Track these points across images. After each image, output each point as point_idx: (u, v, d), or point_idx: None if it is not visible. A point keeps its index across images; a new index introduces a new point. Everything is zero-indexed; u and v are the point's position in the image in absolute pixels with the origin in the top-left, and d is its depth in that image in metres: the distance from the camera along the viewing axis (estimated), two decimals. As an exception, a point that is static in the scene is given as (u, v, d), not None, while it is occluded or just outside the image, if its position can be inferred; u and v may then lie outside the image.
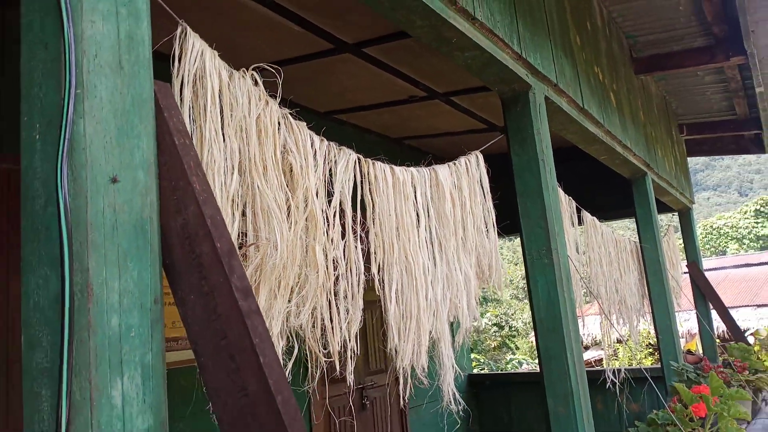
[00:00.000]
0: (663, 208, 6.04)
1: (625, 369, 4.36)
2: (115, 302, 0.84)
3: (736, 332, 6.10)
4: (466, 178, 2.37)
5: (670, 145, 5.80)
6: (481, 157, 2.55)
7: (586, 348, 14.35)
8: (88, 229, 0.82)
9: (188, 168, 0.94)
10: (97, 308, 0.81)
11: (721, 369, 4.21)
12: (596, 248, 3.72)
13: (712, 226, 43.15)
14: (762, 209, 43.31)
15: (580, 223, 3.62)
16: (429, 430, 5.70)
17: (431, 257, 2.03)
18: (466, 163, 2.42)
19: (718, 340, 8.33)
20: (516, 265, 26.03)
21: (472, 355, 15.02)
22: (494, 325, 16.81)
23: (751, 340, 6.81)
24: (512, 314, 17.06)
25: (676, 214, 6.50)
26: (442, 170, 2.23)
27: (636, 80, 4.77)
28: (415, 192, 2.01)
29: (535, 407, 6.40)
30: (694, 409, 2.44)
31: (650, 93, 5.26)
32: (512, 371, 13.13)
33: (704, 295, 6.18)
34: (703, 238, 41.72)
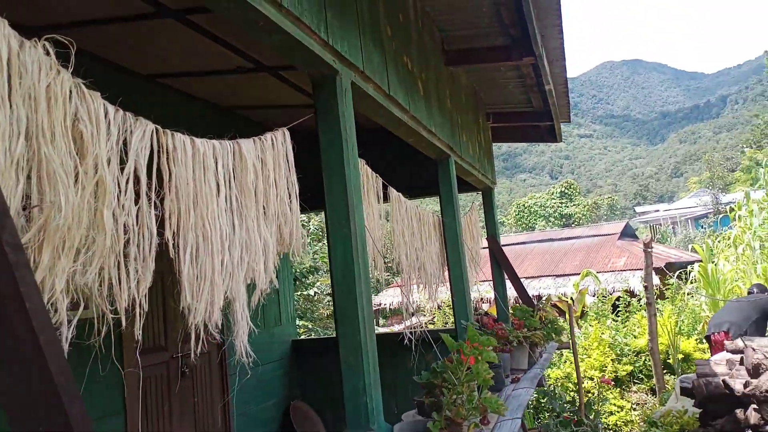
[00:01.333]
0: (469, 187, 6.71)
1: (424, 330, 4.89)
2: None
3: (524, 297, 7.03)
4: (271, 152, 2.56)
5: (476, 131, 6.44)
6: (287, 133, 2.74)
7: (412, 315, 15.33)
8: None
9: (-39, 134, 1.03)
10: None
11: (502, 326, 4.90)
12: (400, 221, 4.12)
13: (524, 205, 48.16)
14: (566, 191, 49.31)
15: (386, 198, 3.97)
16: (252, 394, 5.89)
17: (231, 224, 2.20)
18: (272, 139, 2.60)
19: (518, 305, 9.46)
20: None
21: (302, 323, 15.33)
22: (327, 294, 17.33)
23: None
24: (343, 283, 17.62)
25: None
26: (246, 144, 2.39)
27: (446, 70, 5.23)
28: (217, 163, 2.16)
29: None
30: (461, 357, 2.90)
31: (460, 83, 5.80)
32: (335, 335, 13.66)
33: (500, 265, 7.02)
34: (516, 215, 46.46)
